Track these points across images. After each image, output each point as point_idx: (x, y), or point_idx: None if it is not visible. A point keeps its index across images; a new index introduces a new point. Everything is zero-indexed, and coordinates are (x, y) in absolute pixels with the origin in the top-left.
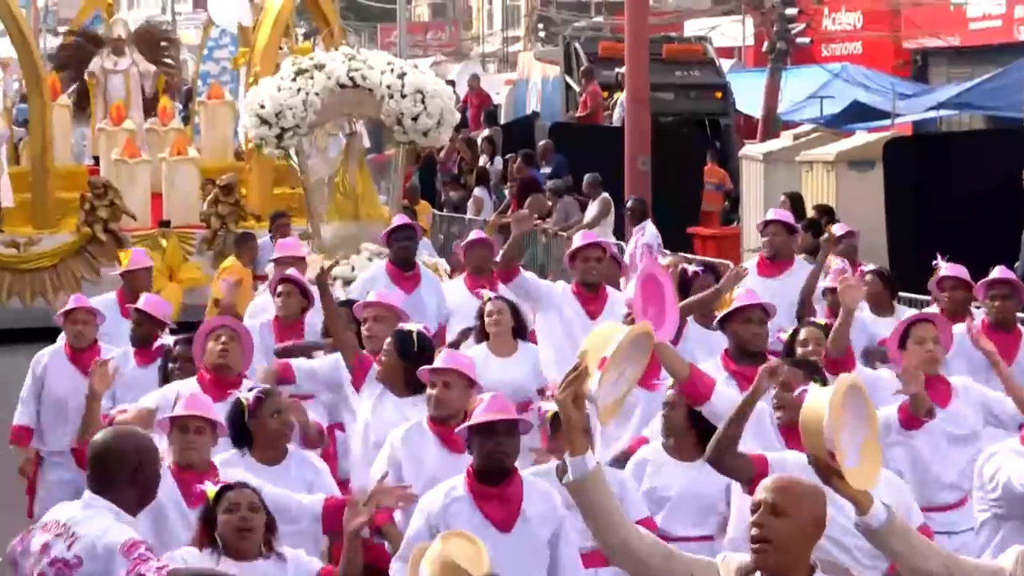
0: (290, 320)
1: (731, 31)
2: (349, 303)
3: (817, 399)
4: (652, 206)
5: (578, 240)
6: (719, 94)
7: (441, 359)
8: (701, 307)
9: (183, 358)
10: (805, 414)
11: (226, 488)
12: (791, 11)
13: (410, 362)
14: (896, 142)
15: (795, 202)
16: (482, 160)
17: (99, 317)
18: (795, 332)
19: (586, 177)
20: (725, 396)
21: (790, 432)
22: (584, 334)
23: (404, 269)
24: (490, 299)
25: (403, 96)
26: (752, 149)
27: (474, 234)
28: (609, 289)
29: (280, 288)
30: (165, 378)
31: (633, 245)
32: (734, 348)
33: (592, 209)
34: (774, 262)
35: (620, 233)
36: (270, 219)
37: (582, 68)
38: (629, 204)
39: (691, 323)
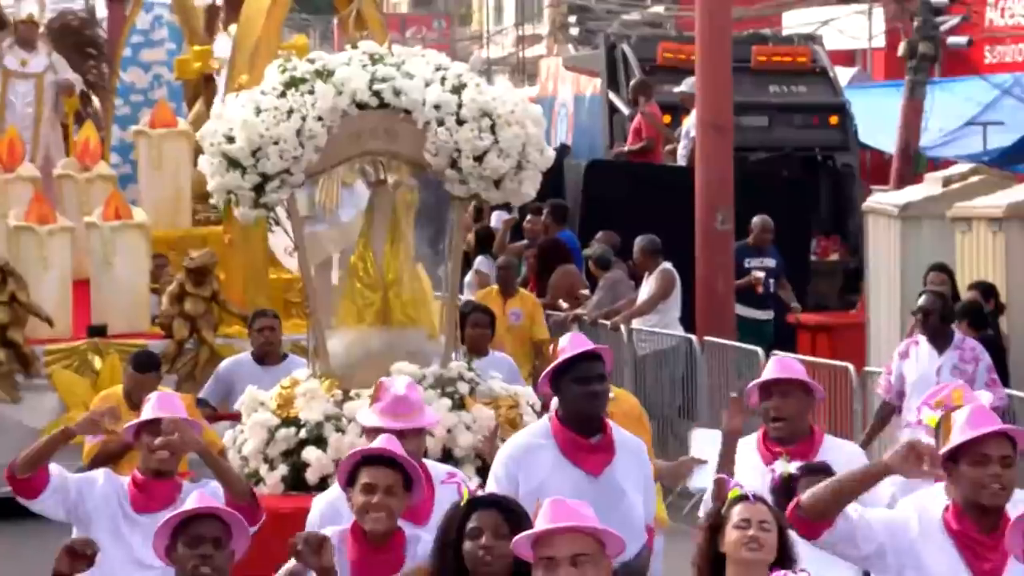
0: (380, 537)
1: (852, 27)
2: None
3: None
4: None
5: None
6: (834, 119)
7: None
8: None
9: None
10: None
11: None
12: None
13: None
14: None
15: (949, 278)
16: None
17: None
18: None
19: (638, 241)
20: None
21: None
22: None
23: (586, 434)
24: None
25: (460, 122)
26: (882, 199)
27: (775, 368)
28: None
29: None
30: None
31: (912, 355)
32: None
33: (648, 286)
34: None
35: (689, 320)
36: (248, 322)
37: (633, 81)
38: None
39: None
